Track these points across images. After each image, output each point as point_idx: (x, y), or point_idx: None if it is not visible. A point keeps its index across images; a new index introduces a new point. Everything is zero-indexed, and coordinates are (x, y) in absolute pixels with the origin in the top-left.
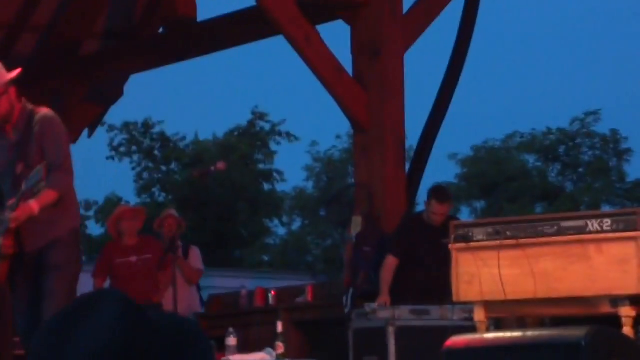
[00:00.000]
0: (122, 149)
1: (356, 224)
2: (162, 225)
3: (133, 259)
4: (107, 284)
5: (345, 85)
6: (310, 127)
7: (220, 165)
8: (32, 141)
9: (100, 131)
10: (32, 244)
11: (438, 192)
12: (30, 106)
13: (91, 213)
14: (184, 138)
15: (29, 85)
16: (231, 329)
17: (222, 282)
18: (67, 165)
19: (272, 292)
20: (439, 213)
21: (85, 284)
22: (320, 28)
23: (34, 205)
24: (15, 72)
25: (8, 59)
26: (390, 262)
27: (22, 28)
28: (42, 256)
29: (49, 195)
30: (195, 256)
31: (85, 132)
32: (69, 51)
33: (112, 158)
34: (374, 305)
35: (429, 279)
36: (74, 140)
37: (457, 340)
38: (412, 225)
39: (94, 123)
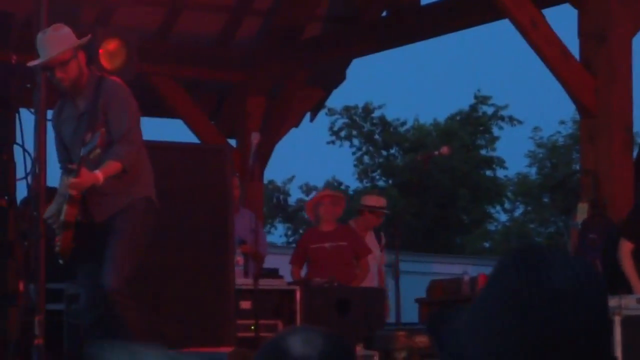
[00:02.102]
0: (343, 134)
1: (582, 211)
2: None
3: (327, 245)
4: (303, 272)
5: (572, 71)
6: (533, 113)
7: (445, 149)
8: (98, 110)
9: (321, 115)
10: (100, 214)
11: None
12: (98, 73)
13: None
14: (404, 123)
15: (252, 69)
16: None
17: (443, 268)
18: (132, 137)
19: None
20: None
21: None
22: (546, 12)
23: (98, 174)
24: (85, 38)
25: (231, 42)
26: (626, 248)
27: (245, 12)
28: (111, 224)
29: (112, 166)
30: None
31: (307, 116)
32: (291, 35)
33: (333, 142)
34: None
35: None
36: (296, 124)
37: None
38: None
39: (316, 107)
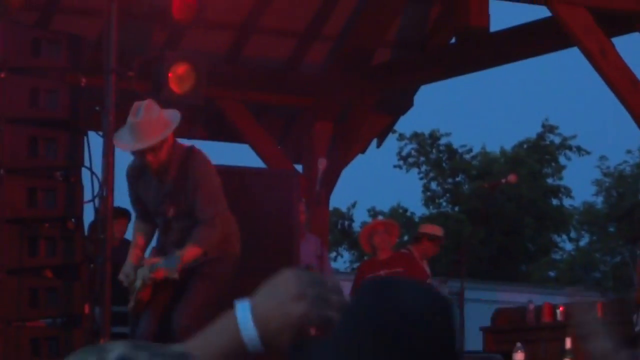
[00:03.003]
0: (410, 160)
1: None
2: None
3: (382, 273)
4: None
5: None
6: (599, 141)
7: (512, 177)
8: (183, 191)
9: (390, 139)
10: (184, 271)
11: None
12: (183, 147)
13: None
14: (470, 150)
15: (320, 94)
16: (519, 344)
17: (508, 297)
18: (216, 221)
19: (560, 308)
20: None
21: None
22: (615, 41)
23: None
24: (176, 117)
25: (300, 67)
26: None
27: (314, 37)
28: (195, 270)
29: (192, 251)
30: None
31: (374, 142)
32: (360, 61)
33: (400, 167)
34: None
35: None
36: (363, 150)
37: None
38: None
39: (383, 133)
